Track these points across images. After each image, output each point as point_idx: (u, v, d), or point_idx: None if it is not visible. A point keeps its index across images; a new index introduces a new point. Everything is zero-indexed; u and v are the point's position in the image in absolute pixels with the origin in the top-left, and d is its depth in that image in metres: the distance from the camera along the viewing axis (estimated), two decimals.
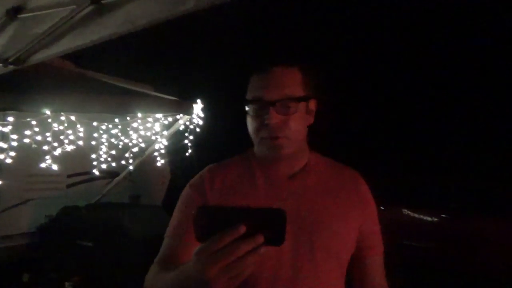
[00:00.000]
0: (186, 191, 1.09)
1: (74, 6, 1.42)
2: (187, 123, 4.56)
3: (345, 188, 1.07)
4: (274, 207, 0.72)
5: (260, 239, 0.67)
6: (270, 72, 0.99)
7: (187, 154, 4.63)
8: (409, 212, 5.85)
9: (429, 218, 5.69)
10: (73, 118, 3.48)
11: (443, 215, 5.59)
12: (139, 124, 4.19)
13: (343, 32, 9.42)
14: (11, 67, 1.80)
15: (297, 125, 1.00)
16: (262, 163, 1.08)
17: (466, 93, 9.38)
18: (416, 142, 9.52)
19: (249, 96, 1.02)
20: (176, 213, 1.06)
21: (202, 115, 4.62)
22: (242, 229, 0.67)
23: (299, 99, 0.99)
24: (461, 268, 5.29)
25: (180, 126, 4.61)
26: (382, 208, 6.07)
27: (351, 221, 1.04)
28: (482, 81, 9.30)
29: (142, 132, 4.28)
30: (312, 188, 1.05)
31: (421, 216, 5.76)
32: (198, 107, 4.55)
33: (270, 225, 0.69)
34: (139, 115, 3.94)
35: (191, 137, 4.59)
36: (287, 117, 0.98)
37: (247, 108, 1.03)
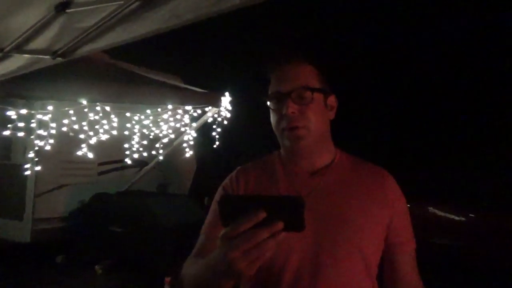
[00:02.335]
0: (218, 191, 1.15)
1: (122, 2, 1.49)
2: (215, 115, 4.64)
3: (371, 186, 1.07)
4: (292, 194, 0.74)
5: (279, 225, 0.71)
6: (285, 67, 1.05)
7: (214, 146, 4.71)
8: (435, 210, 5.76)
9: (455, 217, 5.59)
10: (107, 108, 3.61)
11: (470, 214, 5.49)
12: (169, 116, 4.30)
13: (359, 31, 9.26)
14: (59, 59, 1.90)
15: (315, 116, 1.02)
16: (285, 160, 1.11)
17: (496, 89, 9.10)
18: (445, 138, 9.31)
19: (269, 92, 1.07)
20: (209, 212, 1.12)
21: (230, 107, 4.69)
22: (262, 215, 0.71)
23: (313, 89, 1.02)
24: (487, 267, 5.20)
25: (208, 118, 4.69)
26: (408, 205, 6.02)
27: (377, 218, 1.04)
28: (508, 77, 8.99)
29: (172, 124, 4.39)
30: (334, 184, 1.06)
31: (447, 214, 5.67)
32: (226, 99, 4.63)
33: (289, 211, 0.72)
34: (170, 106, 4.05)
35: (218, 129, 4.67)
36: (304, 107, 1.01)
37: (269, 104, 1.08)
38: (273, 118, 1.06)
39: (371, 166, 1.14)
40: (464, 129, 9.37)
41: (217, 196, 1.12)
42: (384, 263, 1.09)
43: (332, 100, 1.09)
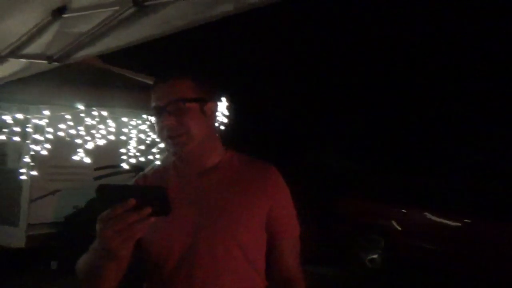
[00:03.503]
0: None
1: (117, 8, 1.51)
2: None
3: (254, 180, 1.19)
4: (158, 185, 0.91)
5: (147, 210, 0.85)
6: (161, 84, 1.17)
7: None
8: (431, 215, 5.78)
9: (451, 223, 5.60)
10: (104, 113, 3.62)
11: (466, 220, 5.50)
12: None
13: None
14: (55, 64, 1.92)
15: (193, 123, 1.13)
16: (177, 164, 1.24)
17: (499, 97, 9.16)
18: (441, 144, 9.35)
19: (151, 107, 1.18)
20: None
21: (227, 113, 4.70)
22: (132, 202, 0.85)
23: (187, 100, 1.13)
24: (484, 274, 5.21)
25: None
26: (404, 211, 6.03)
27: (255, 209, 1.15)
28: None
29: None
30: (218, 182, 1.17)
31: (444, 220, 5.68)
32: (223, 105, 4.64)
33: (155, 198, 0.87)
34: None
35: (216, 135, 4.67)
36: (181, 117, 1.12)
37: (151, 118, 1.20)
38: (156, 129, 1.19)
39: (259, 163, 1.26)
40: (462, 134, 9.41)
41: None
42: (268, 250, 1.19)
43: (209, 106, 1.19)
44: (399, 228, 5.92)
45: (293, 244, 1.23)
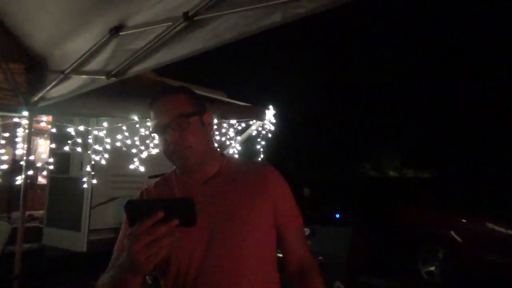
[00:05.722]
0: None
1: (170, 23, 1.58)
2: (260, 128, 4.69)
3: (254, 180, 1.25)
4: (185, 197, 0.92)
5: (175, 221, 0.87)
6: (159, 102, 1.20)
7: (259, 159, 4.75)
8: (493, 225, 5.39)
9: None
10: None
11: None
12: (215, 130, 4.40)
13: None
14: (112, 79, 2.04)
15: (194, 136, 1.18)
16: (180, 176, 1.28)
17: None
18: (503, 150, 8.74)
19: (152, 125, 1.22)
20: (120, 231, 1.26)
21: (274, 121, 4.72)
22: (160, 214, 0.86)
23: (188, 115, 1.18)
24: None
25: (252, 131, 4.75)
26: (464, 220, 5.68)
27: (262, 207, 1.21)
28: None
29: (217, 137, 4.49)
30: (222, 188, 1.23)
31: (507, 230, 5.28)
32: (270, 113, 4.67)
33: (182, 210, 0.88)
34: (215, 121, 4.15)
35: (263, 142, 4.71)
36: (185, 132, 1.17)
37: (154, 135, 1.27)
38: (161, 145, 1.22)
39: (255, 164, 1.34)
40: None
41: (124, 216, 1.26)
42: (278, 242, 1.27)
43: (207, 117, 1.25)
44: (459, 239, 5.58)
45: (299, 233, 1.32)
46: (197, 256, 1.15)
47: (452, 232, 5.64)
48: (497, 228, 5.35)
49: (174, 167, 1.31)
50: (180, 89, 1.24)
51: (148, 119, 3.83)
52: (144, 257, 0.87)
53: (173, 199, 0.94)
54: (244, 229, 1.18)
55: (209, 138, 1.27)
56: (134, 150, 3.79)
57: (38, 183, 7.42)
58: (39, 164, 7.35)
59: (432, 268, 5.75)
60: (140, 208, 0.90)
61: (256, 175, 1.27)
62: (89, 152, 4.03)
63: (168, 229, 0.87)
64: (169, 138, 1.17)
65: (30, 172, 3.28)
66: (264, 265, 1.22)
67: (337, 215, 6.62)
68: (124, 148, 3.70)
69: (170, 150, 1.18)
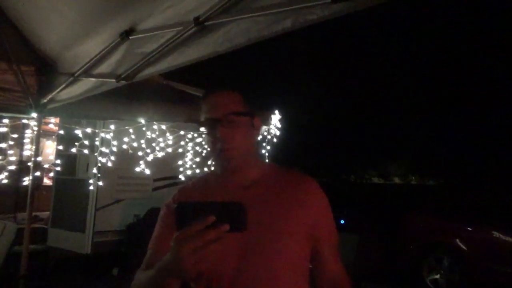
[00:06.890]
0: (161, 209, 1.28)
1: (180, 28, 1.59)
2: (265, 133, 4.70)
3: (293, 192, 1.20)
4: (237, 201, 0.90)
5: (225, 226, 0.84)
6: (213, 96, 1.18)
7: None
8: (499, 234, 5.34)
9: None
10: (163, 127, 3.79)
11: None
12: None
13: None
14: (122, 82, 2.05)
15: (242, 137, 1.15)
16: (219, 177, 1.24)
17: None
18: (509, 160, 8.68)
19: (202, 118, 1.19)
20: (155, 228, 1.24)
21: (279, 125, 4.72)
22: (211, 219, 0.84)
23: (240, 114, 1.15)
24: None
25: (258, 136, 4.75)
26: (469, 229, 5.64)
27: (299, 220, 1.17)
28: None
29: None
30: (263, 195, 1.18)
31: None
32: (276, 117, 4.68)
33: (233, 215, 0.86)
34: None
35: (268, 147, 4.71)
36: (234, 130, 1.13)
37: (202, 129, 1.21)
38: (208, 141, 1.19)
39: (296, 174, 1.28)
40: None
41: (161, 213, 1.26)
42: (312, 255, 1.23)
43: (257, 121, 1.22)
44: (465, 247, 5.54)
45: (335, 249, 1.27)
46: (232, 262, 1.12)
47: (458, 241, 5.60)
48: (503, 236, 5.30)
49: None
50: (237, 86, 1.20)
51: (154, 122, 3.86)
52: (191, 262, 0.84)
53: (224, 203, 0.90)
54: (282, 240, 1.15)
55: (256, 142, 1.24)
56: (140, 153, 3.80)
57: (44, 184, 7.46)
58: (46, 166, 7.40)
59: (437, 277, 5.70)
60: (189, 211, 0.87)
61: (298, 186, 1.23)
62: (95, 154, 4.06)
63: (217, 234, 0.84)
64: (219, 134, 1.13)
65: (37, 173, 3.30)
66: (298, 277, 1.18)
67: (342, 221, 6.60)
68: (130, 151, 3.72)
69: (218, 147, 1.14)
